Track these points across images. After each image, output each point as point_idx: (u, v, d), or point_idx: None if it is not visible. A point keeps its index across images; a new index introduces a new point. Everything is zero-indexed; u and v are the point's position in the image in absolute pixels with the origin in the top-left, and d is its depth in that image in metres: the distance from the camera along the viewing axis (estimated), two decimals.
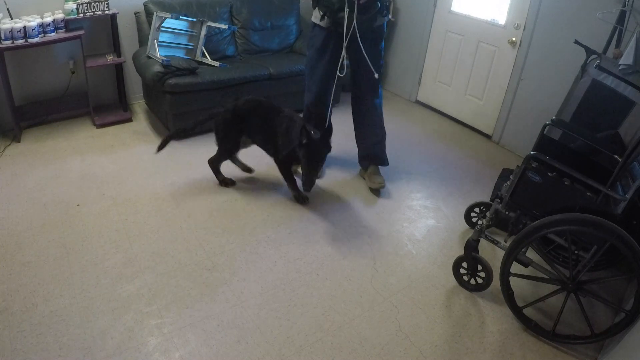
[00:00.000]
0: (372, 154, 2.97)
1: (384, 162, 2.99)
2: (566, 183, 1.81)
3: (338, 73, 2.59)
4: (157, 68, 3.09)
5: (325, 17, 2.50)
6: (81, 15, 3.15)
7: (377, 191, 2.90)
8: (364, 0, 2.33)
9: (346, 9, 2.34)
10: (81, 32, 3.20)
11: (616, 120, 2.29)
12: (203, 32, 3.48)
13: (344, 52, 2.49)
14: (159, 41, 3.30)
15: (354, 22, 2.35)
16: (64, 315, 1.90)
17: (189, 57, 3.44)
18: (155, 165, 3.05)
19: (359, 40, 2.43)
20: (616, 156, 1.86)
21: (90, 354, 1.75)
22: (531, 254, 2.24)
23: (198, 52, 3.52)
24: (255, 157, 3.21)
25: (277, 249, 2.37)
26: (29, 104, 3.40)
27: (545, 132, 2.10)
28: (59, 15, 3.09)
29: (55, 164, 2.99)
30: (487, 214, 2.09)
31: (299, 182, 2.67)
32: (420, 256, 2.42)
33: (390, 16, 2.68)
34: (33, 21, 2.94)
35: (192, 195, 2.75)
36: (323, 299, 2.07)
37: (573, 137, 2.14)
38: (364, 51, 2.47)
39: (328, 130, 2.48)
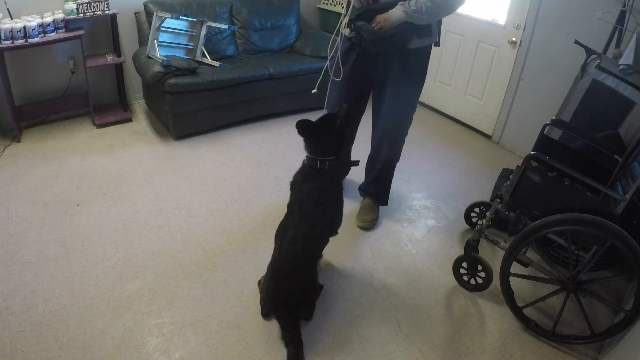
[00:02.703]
0: (370, 185, 2.66)
1: (381, 199, 2.67)
2: (566, 183, 1.81)
3: (333, 77, 2.27)
4: (157, 68, 3.09)
5: (350, 26, 2.15)
6: (81, 15, 3.15)
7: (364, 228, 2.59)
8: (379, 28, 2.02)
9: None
10: (81, 32, 3.20)
11: (616, 120, 2.29)
12: (203, 32, 3.48)
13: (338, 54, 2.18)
14: (159, 41, 3.30)
15: (361, 32, 2.08)
16: (64, 315, 1.90)
17: (189, 57, 3.44)
18: (155, 165, 3.05)
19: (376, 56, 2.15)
20: (616, 156, 1.86)
21: (90, 354, 1.75)
22: (531, 254, 2.24)
23: (198, 52, 3.52)
24: (252, 154, 3.22)
25: None
26: (29, 104, 3.40)
27: (545, 132, 2.10)
28: (59, 15, 3.09)
29: (55, 164, 2.99)
30: (487, 214, 2.09)
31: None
32: (420, 256, 2.42)
33: (437, 39, 2.24)
34: (33, 21, 2.94)
35: (192, 195, 2.75)
36: (323, 299, 2.07)
37: (573, 137, 2.14)
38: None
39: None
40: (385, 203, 2.69)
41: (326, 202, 1.88)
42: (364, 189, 2.71)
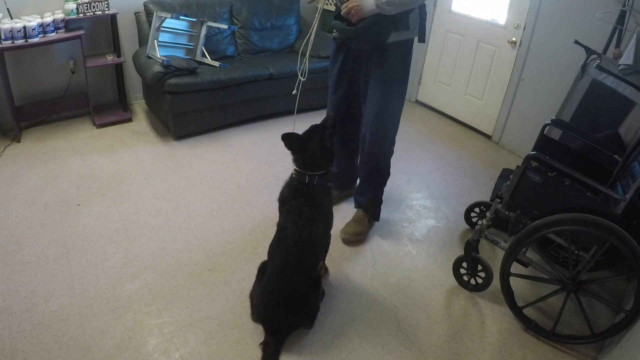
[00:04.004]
0: (358, 194, 2.52)
1: (372, 212, 2.50)
2: (566, 183, 1.81)
3: (300, 77, 2.25)
4: (157, 68, 3.09)
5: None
6: (81, 15, 3.15)
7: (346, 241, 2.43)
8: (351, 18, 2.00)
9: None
10: (81, 32, 3.20)
11: (616, 120, 2.29)
12: (203, 32, 3.48)
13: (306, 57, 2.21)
14: (159, 41, 3.30)
15: (338, 33, 2.09)
16: (64, 315, 1.90)
17: (189, 57, 3.44)
18: (155, 165, 3.05)
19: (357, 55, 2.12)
20: (616, 156, 1.86)
21: (90, 354, 1.75)
22: (531, 254, 2.24)
23: (198, 52, 3.52)
24: (252, 154, 3.22)
25: None
26: (29, 104, 3.40)
27: (545, 132, 2.10)
28: (59, 15, 3.09)
29: (55, 164, 2.99)
30: (487, 214, 2.09)
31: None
32: (420, 256, 2.42)
33: (415, 32, 2.11)
34: (33, 21, 2.94)
35: (192, 195, 2.75)
36: (323, 299, 2.07)
37: (573, 137, 2.14)
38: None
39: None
40: (376, 218, 2.52)
41: (318, 222, 1.80)
42: (355, 198, 2.56)
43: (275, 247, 1.81)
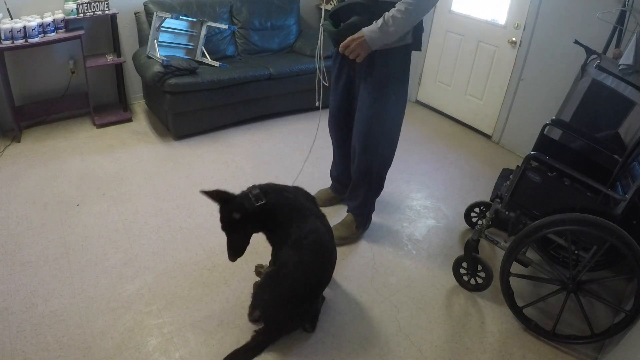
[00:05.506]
0: (348, 198, 2.46)
1: (359, 220, 2.42)
2: (566, 183, 1.81)
3: (324, 82, 2.20)
4: (157, 68, 3.09)
5: None
6: (81, 15, 3.15)
7: None
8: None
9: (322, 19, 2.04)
10: (81, 32, 3.20)
11: (616, 120, 2.29)
12: (203, 32, 3.48)
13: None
14: (159, 41, 3.30)
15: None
16: (64, 315, 1.90)
17: (189, 57, 3.44)
18: (155, 165, 3.05)
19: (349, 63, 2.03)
20: (616, 156, 1.86)
21: (90, 354, 1.75)
22: (531, 254, 2.24)
23: (198, 52, 3.52)
24: (252, 154, 3.22)
25: None
26: (29, 104, 3.40)
27: (545, 132, 2.10)
28: (59, 15, 3.09)
29: (55, 164, 2.99)
30: (487, 214, 2.09)
31: None
32: (420, 256, 2.42)
33: (407, 39, 1.99)
34: (33, 21, 2.94)
35: (192, 195, 2.75)
36: (323, 303, 2.07)
37: (573, 137, 2.14)
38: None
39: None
40: (362, 226, 2.45)
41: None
42: (346, 202, 2.50)
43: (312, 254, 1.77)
